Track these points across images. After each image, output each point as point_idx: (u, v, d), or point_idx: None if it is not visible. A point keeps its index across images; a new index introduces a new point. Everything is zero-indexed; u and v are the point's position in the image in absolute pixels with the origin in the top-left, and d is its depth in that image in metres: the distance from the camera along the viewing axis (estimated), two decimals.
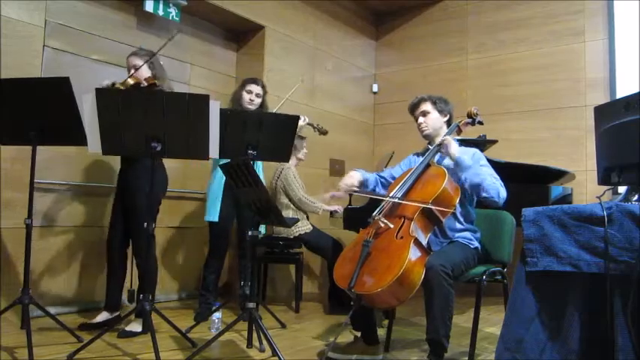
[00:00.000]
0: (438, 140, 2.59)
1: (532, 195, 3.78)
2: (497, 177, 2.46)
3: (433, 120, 2.68)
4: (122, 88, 2.77)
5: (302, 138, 3.94)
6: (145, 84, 2.85)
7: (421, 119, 2.70)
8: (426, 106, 2.69)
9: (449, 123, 2.71)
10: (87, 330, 2.87)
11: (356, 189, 2.65)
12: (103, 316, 3.03)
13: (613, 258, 1.59)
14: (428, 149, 2.68)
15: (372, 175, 2.81)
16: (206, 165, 3.65)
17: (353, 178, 2.66)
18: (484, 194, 2.39)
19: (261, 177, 3.61)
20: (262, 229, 3.58)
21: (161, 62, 3.15)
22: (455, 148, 2.51)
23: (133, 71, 2.90)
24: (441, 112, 2.69)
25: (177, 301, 4.13)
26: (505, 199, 2.41)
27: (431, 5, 5.64)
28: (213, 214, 3.38)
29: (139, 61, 2.94)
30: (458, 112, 2.81)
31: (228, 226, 3.50)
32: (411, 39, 5.78)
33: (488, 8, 5.26)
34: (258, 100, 3.55)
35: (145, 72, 2.96)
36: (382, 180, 2.81)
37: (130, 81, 2.82)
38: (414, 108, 2.74)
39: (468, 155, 2.51)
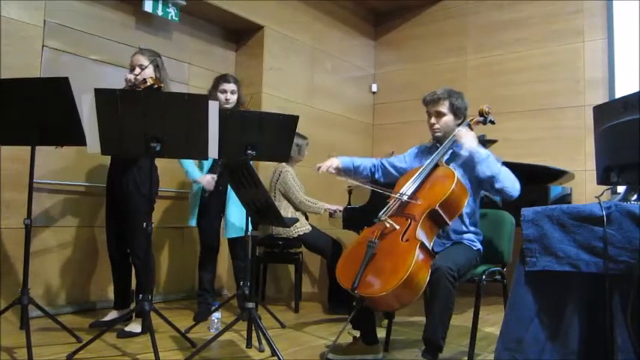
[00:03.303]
0: (447, 139, 2.53)
1: (531, 195, 3.76)
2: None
3: (446, 123, 2.58)
4: (147, 84, 2.83)
5: (304, 138, 3.93)
6: (156, 86, 2.86)
7: (433, 120, 2.59)
8: (443, 108, 2.57)
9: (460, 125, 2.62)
10: (97, 327, 2.90)
11: (332, 171, 2.68)
12: (112, 315, 3.06)
13: (612, 258, 1.59)
14: (436, 146, 2.61)
15: (371, 161, 2.80)
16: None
17: (332, 162, 2.71)
18: (498, 185, 2.36)
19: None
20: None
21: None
22: (472, 140, 2.47)
23: (139, 70, 2.90)
24: (456, 115, 2.58)
25: (177, 301, 4.12)
26: (520, 192, 2.38)
27: (430, 5, 5.64)
28: (191, 219, 3.43)
29: (145, 61, 2.93)
30: None
31: (209, 229, 3.47)
32: (410, 39, 5.77)
33: (488, 8, 5.26)
34: (233, 97, 3.47)
35: (150, 73, 2.94)
36: (383, 167, 2.78)
37: (150, 81, 2.84)
38: (428, 104, 2.61)
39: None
